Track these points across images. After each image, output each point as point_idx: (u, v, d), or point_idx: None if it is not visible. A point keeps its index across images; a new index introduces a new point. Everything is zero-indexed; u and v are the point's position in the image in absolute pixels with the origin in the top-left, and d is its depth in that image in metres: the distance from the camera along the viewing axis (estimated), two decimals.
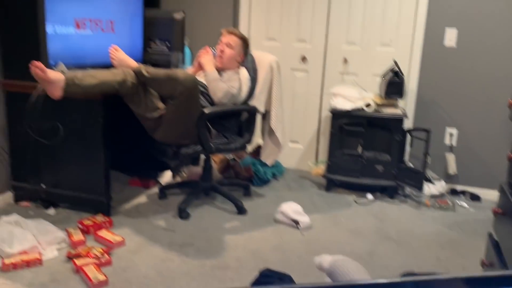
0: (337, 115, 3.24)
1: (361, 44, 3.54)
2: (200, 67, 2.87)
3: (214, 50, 2.91)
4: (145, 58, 3.40)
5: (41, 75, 2.19)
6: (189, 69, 3.04)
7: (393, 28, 3.46)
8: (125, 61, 2.65)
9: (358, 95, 3.23)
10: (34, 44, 2.58)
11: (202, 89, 2.69)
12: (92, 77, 2.35)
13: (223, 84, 2.72)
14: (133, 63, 2.63)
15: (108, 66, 2.76)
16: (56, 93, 2.26)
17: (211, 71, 2.77)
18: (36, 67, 2.18)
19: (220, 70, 2.85)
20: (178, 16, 3.33)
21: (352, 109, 3.19)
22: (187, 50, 3.49)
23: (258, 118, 3.02)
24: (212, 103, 2.73)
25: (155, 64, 3.18)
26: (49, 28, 2.66)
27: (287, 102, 3.73)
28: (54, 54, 2.73)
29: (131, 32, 3.33)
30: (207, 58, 2.85)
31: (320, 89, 3.70)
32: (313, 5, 3.60)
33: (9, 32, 2.68)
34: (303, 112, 3.78)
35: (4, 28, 2.69)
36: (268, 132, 3.03)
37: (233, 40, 2.85)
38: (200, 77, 2.83)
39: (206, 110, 2.58)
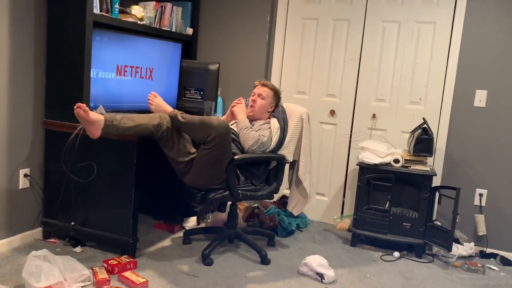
0: (365, 169, 3.21)
1: (390, 102, 3.57)
2: (233, 116, 2.94)
3: (247, 101, 2.98)
4: (179, 105, 3.51)
5: (83, 115, 2.30)
6: (221, 118, 3.10)
7: (422, 88, 3.49)
8: (162, 107, 2.74)
9: (386, 150, 3.21)
10: (77, 87, 2.72)
11: (233, 136, 2.72)
12: (130, 119, 2.44)
13: (254, 133, 2.76)
14: (169, 109, 2.71)
15: (145, 111, 2.84)
16: (95, 133, 2.35)
17: (242, 119, 2.84)
18: (79, 107, 2.29)
19: (252, 120, 2.92)
20: (213, 67, 3.44)
21: (380, 163, 3.17)
22: (219, 100, 3.58)
23: (286, 168, 3.02)
24: (242, 150, 2.76)
25: (188, 111, 3.24)
26: (92, 73, 2.81)
27: (315, 154, 3.73)
28: (95, 97, 2.87)
29: (168, 80, 3.49)
30: (240, 107, 2.92)
31: (348, 143, 3.70)
32: (343, 61, 3.67)
33: (54, 75, 2.82)
34: (330, 164, 3.77)
35: (49, 71, 2.83)
36: (296, 182, 3.02)
37: (265, 91, 2.93)
38: (232, 126, 2.89)
39: (236, 157, 2.62)
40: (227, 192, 2.66)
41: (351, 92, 3.67)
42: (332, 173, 3.77)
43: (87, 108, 2.30)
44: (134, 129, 2.43)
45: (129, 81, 3.14)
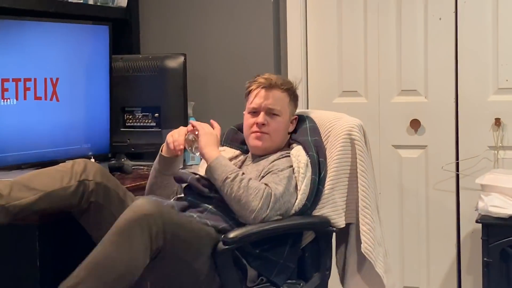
0: (494, 228, 3.13)
1: None
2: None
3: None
4: (119, 142, 3.51)
5: None
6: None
7: None
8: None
9: None
10: None
11: (212, 193, 2.65)
12: (26, 187, 2.45)
13: (255, 182, 2.59)
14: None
15: (49, 162, 2.86)
16: None
17: (218, 160, 2.69)
18: None
19: (260, 155, 2.86)
20: (173, 63, 3.47)
21: None
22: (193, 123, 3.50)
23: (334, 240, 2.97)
24: (237, 220, 2.61)
25: (135, 153, 3.54)
26: None
27: (389, 206, 3.65)
28: None
29: (89, 97, 3.45)
30: (206, 136, 2.79)
31: (454, 180, 3.61)
32: (424, 24, 3.63)
33: None
34: (424, 226, 3.70)
35: None
36: (358, 263, 2.89)
37: (278, 97, 2.83)
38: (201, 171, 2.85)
39: (232, 235, 2.44)
40: None
41: (447, 80, 3.61)
42: (429, 242, 3.69)
43: None
44: (37, 204, 2.43)
45: (14, 107, 3.08)
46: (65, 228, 2.67)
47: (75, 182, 2.46)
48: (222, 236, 2.45)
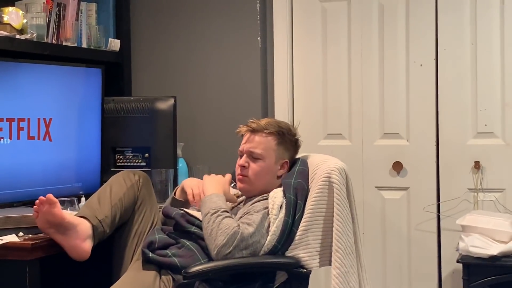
0: (474, 269, 3.09)
1: (504, 136, 3.48)
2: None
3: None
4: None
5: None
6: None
7: None
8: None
9: (510, 226, 3.12)
10: None
11: (193, 229, 2.63)
12: (101, 198, 2.70)
13: (229, 220, 2.58)
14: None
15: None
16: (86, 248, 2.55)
17: (211, 197, 2.71)
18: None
19: (249, 197, 2.88)
20: (163, 105, 3.45)
21: (503, 254, 3.02)
22: (181, 164, 3.56)
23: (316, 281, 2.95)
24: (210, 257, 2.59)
25: None
26: None
27: (372, 245, 3.59)
28: None
29: (81, 138, 3.42)
30: (211, 177, 2.85)
31: (435, 221, 3.58)
32: (406, 68, 3.62)
33: None
34: (405, 266, 3.64)
35: None
36: None
37: (261, 142, 2.82)
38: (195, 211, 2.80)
39: (191, 269, 2.40)
40: None
41: (428, 124, 3.60)
42: (411, 282, 3.64)
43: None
44: (119, 206, 2.69)
45: (7, 146, 3.06)
46: (55, 264, 2.64)
47: (137, 177, 2.78)
48: (183, 271, 2.44)
